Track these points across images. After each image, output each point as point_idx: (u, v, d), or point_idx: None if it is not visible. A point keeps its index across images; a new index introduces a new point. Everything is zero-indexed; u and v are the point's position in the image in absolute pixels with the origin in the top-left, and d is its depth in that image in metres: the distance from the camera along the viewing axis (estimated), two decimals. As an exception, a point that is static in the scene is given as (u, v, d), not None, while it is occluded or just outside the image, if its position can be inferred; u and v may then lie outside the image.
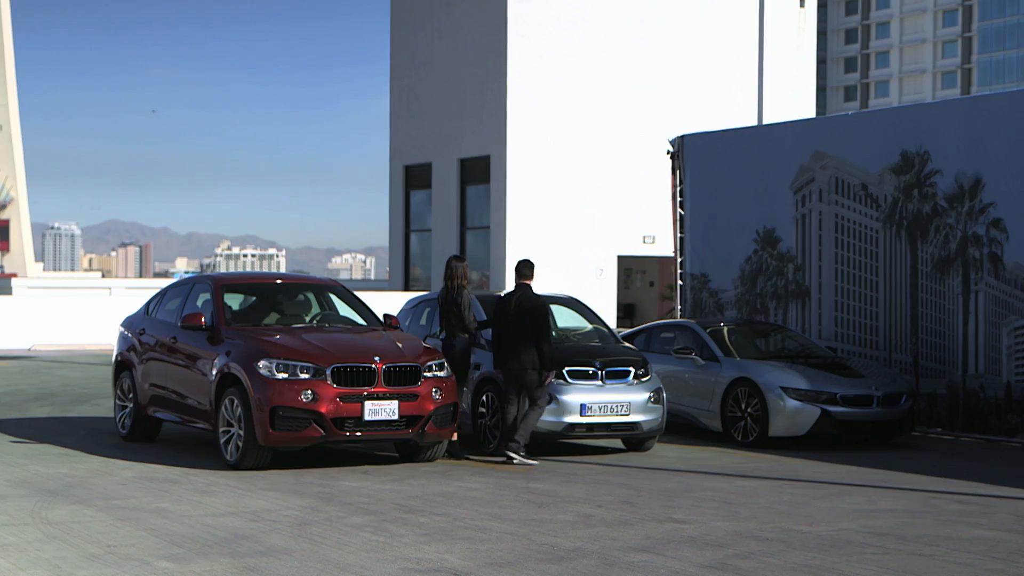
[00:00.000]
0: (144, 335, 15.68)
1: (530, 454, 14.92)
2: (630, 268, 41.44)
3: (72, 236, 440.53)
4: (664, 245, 36.46)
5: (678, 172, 21.69)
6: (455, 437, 14.52)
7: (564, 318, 17.03)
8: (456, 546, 9.55)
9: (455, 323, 14.89)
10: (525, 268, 15.01)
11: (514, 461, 14.29)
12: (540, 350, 14.45)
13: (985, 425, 17.07)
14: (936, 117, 18.45)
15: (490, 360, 15.25)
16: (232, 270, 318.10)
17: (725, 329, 17.80)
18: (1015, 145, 16.92)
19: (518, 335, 14.52)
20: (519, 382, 14.53)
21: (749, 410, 16.35)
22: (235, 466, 13.40)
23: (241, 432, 13.33)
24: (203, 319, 14.37)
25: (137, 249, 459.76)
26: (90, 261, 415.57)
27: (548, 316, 14.68)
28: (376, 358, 13.49)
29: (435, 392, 13.69)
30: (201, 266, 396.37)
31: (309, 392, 13.14)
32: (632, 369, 15.28)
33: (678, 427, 17.14)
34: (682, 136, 21.89)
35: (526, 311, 14.56)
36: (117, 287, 42.22)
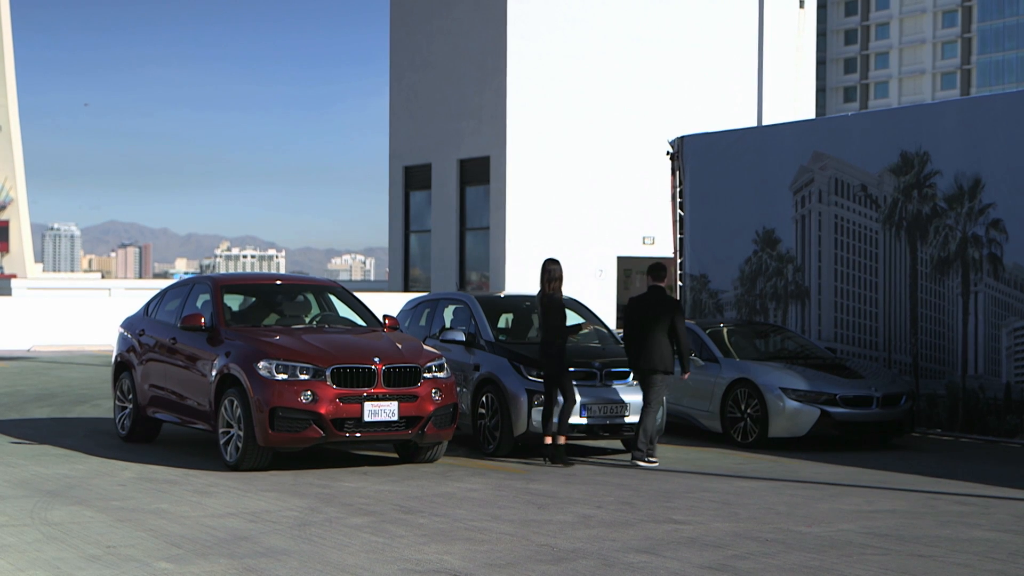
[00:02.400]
0: (144, 336, 15.68)
1: (529, 456, 14.95)
2: (630, 269, 41.42)
3: (72, 237, 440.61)
4: (664, 246, 36.45)
5: (678, 173, 21.70)
6: (563, 440, 14.37)
7: (564, 319, 17.04)
8: (456, 547, 9.55)
9: (551, 325, 14.68)
10: (660, 271, 15.20)
11: (640, 465, 14.38)
12: (680, 351, 14.72)
13: (985, 426, 17.07)
14: (936, 118, 18.45)
15: (490, 361, 15.26)
16: (231, 271, 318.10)
17: (725, 330, 17.80)
18: (1015, 146, 16.92)
19: (651, 336, 14.64)
20: (646, 382, 14.70)
21: (749, 411, 16.35)
22: (235, 467, 13.40)
23: (241, 433, 13.33)
24: (203, 320, 14.37)
25: (137, 250, 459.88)
26: (90, 262, 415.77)
27: (683, 318, 14.94)
28: (376, 359, 13.49)
29: (435, 393, 13.69)
30: (201, 267, 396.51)
31: (309, 393, 13.14)
32: (631, 370, 15.26)
33: (678, 428, 17.14)
34: (682, 137, 21.89)
35: (662, 313, 14.70)
36: (117, 288, 42.17)
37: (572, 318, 16.95)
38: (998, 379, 16.95)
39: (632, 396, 15.03)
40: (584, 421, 14.85)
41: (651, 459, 14.47)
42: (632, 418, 15.00)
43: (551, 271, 14.81)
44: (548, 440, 14.41)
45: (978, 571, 8.97)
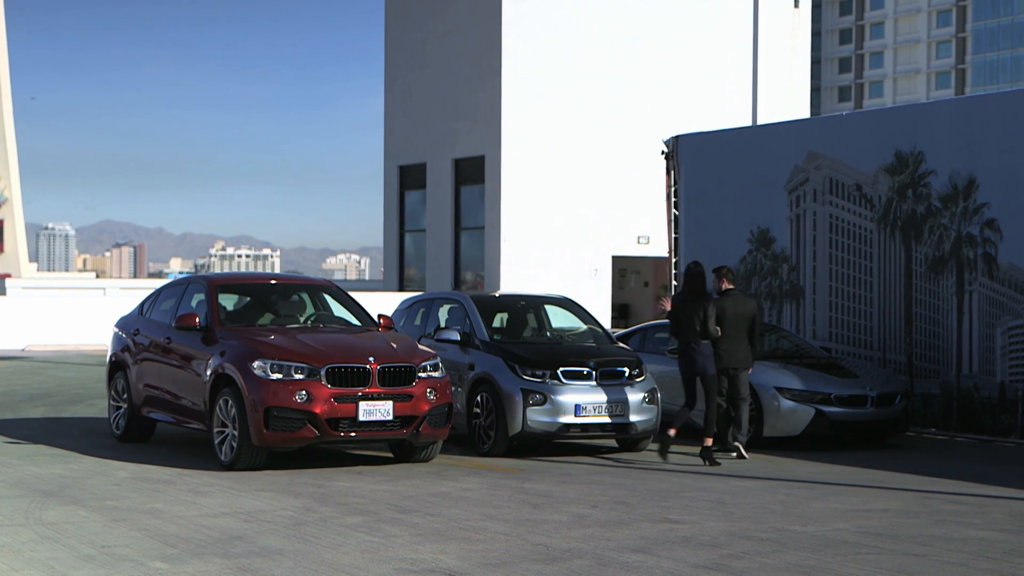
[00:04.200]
0: (138, 335, 15.66)
1: (525, 455, 14.97)
2: (625, 268, 41.44)
3: (66, 236, 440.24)
4: (659, 245, 36.46)
5: (672, 172, 21.70)
6: (709, 442, 14.65)
7: (558, 318, 17.04)
8: (451, 546, 9.55)
9: (697, 329, 14.91)
10: (731, 273, 15.78)
11: (744, 455, 15.03)
12: (754, 348, 15.48)
13: (979, 425, 17.08)
14: (930, 117, 18.46)
15: (485, 360, 15.26)
16: (226, 270, 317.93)
17: (720, 329, 17.78)
18: (1009, 145, 16.94)
19: (735, 337, 15.23)
20: (732, 380, 15.28)
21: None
22: (229, 467, 13.40)
23: (235, 433, 13.32)
24: (197, 319, 14.36)
25: (131, 249, 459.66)
26: (84, 261, 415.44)
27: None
28: (370, 358, 13.49)
29: (430, 392, 13.69)
30: (195, 266, 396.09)
31: (303, 392, 13.13)
32: (627, 369, 15.29)
33: (673, 427, 17.12)
34: (676, 136, 21.89)
35: (743, 314, 15.32)
36: (111, 287, 42.14)
37: (569, 318, 16.99)
38: (992, 378, 16.96)
39: (628, 395, 15.04)
40: (579, 420, 14.86)
41: (741, 451, 15.13)
42: (628, 417, 15.00)
43: (700, 274, 15.14)
44: (709, 441, 14.70)
45: (972, 570, 8.97)
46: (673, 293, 15.19)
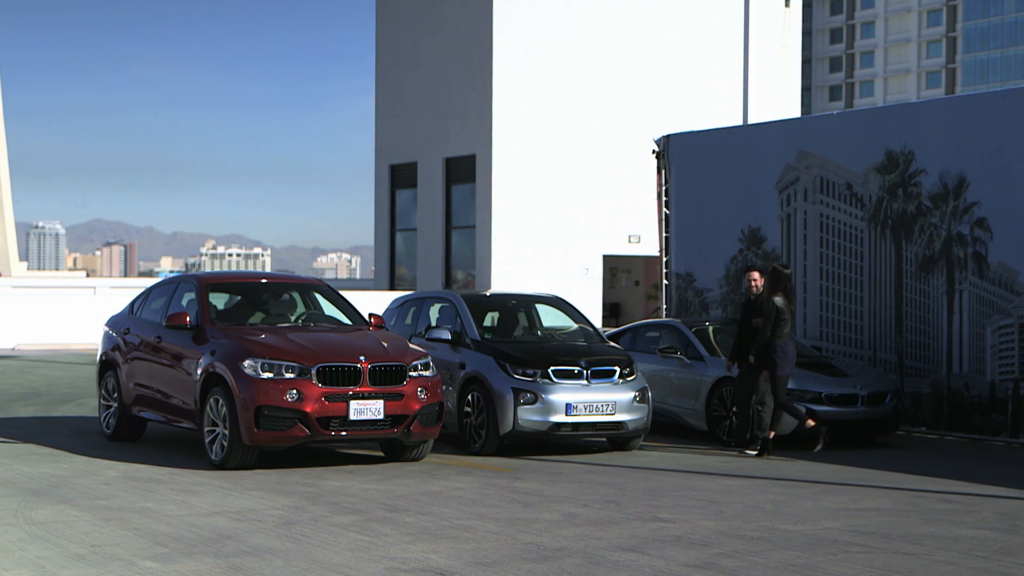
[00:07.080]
0: (129, 334, 15.64)
1: (515, 454, 14.98)
2: (615, 267, 41.47)
3: (56, 235, 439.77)
4: (650, 244, 36.49)
5: (663, 172, 21.72)
6: (772, 435, 15.38)
7: (549, 317, 17.04)
8: (441, 545, 9.54)
9: (791, 328, 15.72)
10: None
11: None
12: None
13: (969, 424, 17.11)
14: (921, 117, 18.49)
15: (476, 359, 15.27)
16: (217, 269, 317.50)
17: (710, 328, 17.81)
18: (999, 145, 16.97)
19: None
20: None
21: (734, 409, 16.35)
22: (220, 466, 13.39)
23: (226, 432, 13.31)
24: (188, 318, 14.35)
25: (122, 248, 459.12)
26: (75, 260, 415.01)
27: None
28: (361, 357, 13.48)
29: (420, 391, 13.69)
30: (186, 265, 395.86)
31: (294, 391, 13.13)
32: (617, 368, 15.29)
33: (663, 426, 17.15)
34: (667, 136, 21.91)
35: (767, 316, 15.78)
36: (102, 286, 42.03)
37: (559, 317, 17.01)
38: (983, 377, 16.99)
39: (619, 394, 15.05)
40: (570, 419, 14.87)
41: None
42: (619, 416, 15.02)
43: (787, 276, 15.69)
44: (772, 434, 15.41)
45: (962, 568, 8.99)
46: (769, 294, 15.58)
